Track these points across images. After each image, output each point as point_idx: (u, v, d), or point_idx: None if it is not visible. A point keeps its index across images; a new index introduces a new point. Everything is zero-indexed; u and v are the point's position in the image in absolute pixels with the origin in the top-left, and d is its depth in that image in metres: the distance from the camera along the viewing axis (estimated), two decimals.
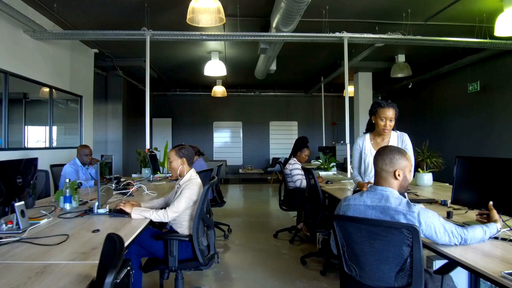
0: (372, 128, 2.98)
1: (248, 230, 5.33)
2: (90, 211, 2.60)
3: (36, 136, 7.51)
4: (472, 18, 6.42)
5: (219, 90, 11.80)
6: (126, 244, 1.96)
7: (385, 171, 1.79)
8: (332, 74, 10.39)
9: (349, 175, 4.49)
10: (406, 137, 3.02)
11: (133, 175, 5.64)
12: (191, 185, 2.59)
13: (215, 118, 14.17)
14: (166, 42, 7.89)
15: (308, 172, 3.73)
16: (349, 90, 12.69)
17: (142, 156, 5.45)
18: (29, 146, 6.94)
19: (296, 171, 4.57)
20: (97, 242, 1.88)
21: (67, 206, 2.70)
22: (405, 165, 1.80)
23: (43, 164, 4.77)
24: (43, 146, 6.89)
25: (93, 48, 8.22)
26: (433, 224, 1.66)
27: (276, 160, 12.89)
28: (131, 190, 3.57)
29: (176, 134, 13.98)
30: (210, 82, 12.19)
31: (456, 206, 2.55)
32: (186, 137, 13.97)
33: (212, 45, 8.11)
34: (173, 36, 5.87)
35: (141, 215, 2.45)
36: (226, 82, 12.33)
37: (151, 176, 4.89)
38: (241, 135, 14.23)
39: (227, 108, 14.19)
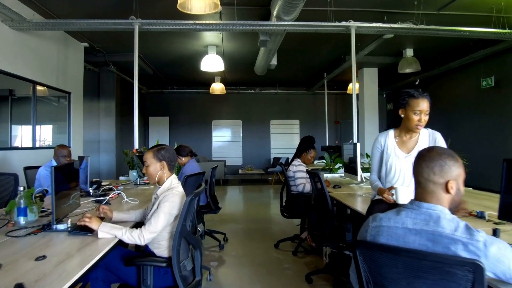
0: (398, 123, 2.47)
1: (247, 238, 4.82)
2: (48, 226, 2.11)
3: (27, 135, 7.14)
4: (489, 7, 5.93)
5: (217, 88, 11.32)
6: (80, 274, 1.47)
7: (432, 182, 1.29)
8: (336, 70, 9.89)
9: (359, 178, 3.99)
10: (439, 136, 2.47)
11: (121, 178, 5.16)
12: (171, 197, 2.09)
13: (214, 117, 13.68)
14: (159, 35, 7.43)
15: (314, 176, 3.23)
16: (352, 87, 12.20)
17: (130, 157, 4.95)
18: (15, 146, 6.52)
19: (299, 174, 4.08)
20: (35, 277, 1.39)
21: (21, 220, 2.21)
22: (459, 174, 1.30)
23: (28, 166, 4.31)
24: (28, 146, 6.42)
25: (82, 41, 7.73)
26: (507, 259, 1.16)
27: (277, 160, 12.40)
28: (108, 197, 3.07)
29: (173, 133, 13.49)
30: (208, 79, 11.71)
31: (497, 220, 2.04)
32: (184, 136, 13.49)
33: (209, 38, 7.61)
34: (164, 26, 5.37)
35: (110, 233, 1.96)
36: (225, 79, 11.84)
37: (138, 179, 4.39)
38: (241, 134, 13.73)
39: (226, 106, 13.70)
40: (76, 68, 7.70)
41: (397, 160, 2.37)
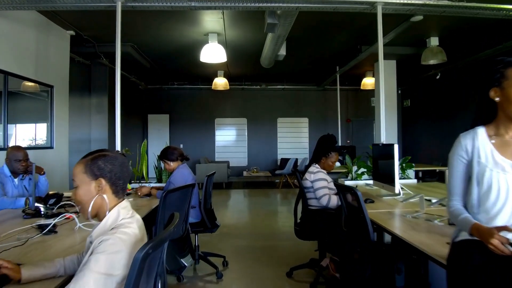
0: (490, 116, 1.54)
1: (252, 262, 3.89)
2: None
3: (23, 134, 6.49)
4: None
5: (220, 83, 10.44)
6: None
7: None
8: (350, 62, 8.96)
9: (397, 190, 3.07)
10: None
11: None
12: (110, 244, 1.17)
13: (217, 114, 12.79)
14: (153, 21, 6.56)
15: (347, 191, 2.33)
16: (368, 81, 11.29)
17: None
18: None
19: (320, 183, 3.16)
20: None
21: None
22: None
23: None
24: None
25: (68, 29, 6.87)
26: None
27: (284, 162, 11.49)
28: (54, 221, 2.18)
29: (174, 132, 12.64)
30: (211, 74, 10.83)
31: None
32: (185, 135, 12.63)
33: (209, 24, 6.72)
34: (151, 3, 4.48)
35: None
36: (228, 73, 10.94)
37: None
38: (246, 133, 12.84)
39: (230, 103, 12.81)
40: (60, 59, 6.84)
41: (499, 174, 1.43)
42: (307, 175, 3.32)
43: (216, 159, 12.61)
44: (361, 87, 11.25)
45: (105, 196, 1.31)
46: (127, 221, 1.27)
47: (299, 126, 13.00)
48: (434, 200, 2.93)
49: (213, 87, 10.48)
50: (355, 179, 4.49)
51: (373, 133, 13.20)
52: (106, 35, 7.42)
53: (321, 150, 3.37)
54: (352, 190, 2.14)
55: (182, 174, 3.34)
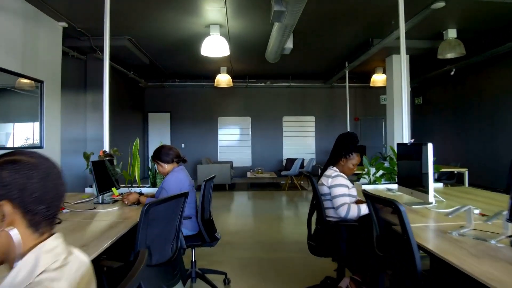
0: None
1: (257, 280, 3.38)
2: None
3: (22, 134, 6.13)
4: None
5: (223, 80, 9.96)
6: None
7: None
8: (361, 57, 8.45)
9: (431, 198, 2.57)
10: None
11: (87, 190, 3.82)
12: None
13: (220, 113, 12.31)
14: (149, 11, 6.08)
15: (380, 203, 1.83)
16: (378, 78, 10.76)
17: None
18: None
19: (339, 190, 2.64)
20: None
21: None
22: None
23: None
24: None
25: (60, 21, 6.42)
26: None
27: (290, 162, 10.98)
28: None
29: (175, 131, 12.17)
30: (213, 70, 10.36)
31: None
32: (187, 134, 12.17)
33: (211, 15, 6.24)
34: None
35: None
36: (231, 70, 10.47)
37: (99, 195, 3.02)
38: (250, 132, 12.35)
39: (233, 101, 12.33)
40: (52, 52, 6.38)
41: None
42: (323, 179, 2.81)
43: (219, 160, 12.14)
44: (371, 84, 10.72)
45: (11, 232, 0.80)
46: (51, 276, 0.76)
47: (305, 125, 12.50)
48: (476, 211, 2.42)
49: (215, 84, 10.01)
50: (374, 182, 3.98)
51: (383, 132, 12.69)
52: (101, 27, 6.94)
53: (340, 150, 2.86)
54: (392, 204, 1.64)
55: (177, 179, 2.85)
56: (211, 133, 12.26)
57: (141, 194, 3.10)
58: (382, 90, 12.68)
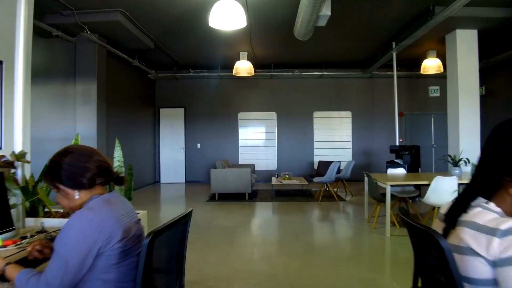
0: None
1: None
2: None
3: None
4: None
5: (243, 67, 8.36)
6: None
7: None
8: (416, 31, 6.56)
9: None
10: None
11: None
12: None
13: (241, 108, 10.69)
14: None
15: None
16: (430, 64, 8.81)
17: None
18: None
19: None
20: None
21: None
22: None
23: None
24: None
25: None
26: None
27: (324, 165, 9.20)
28: None
29: (190, 129, 10.67)
30: (231, 57, 8.78)
31: None
32: (203, 133, 10.64)
33: None
34: None
35: None
36: (253, 57, 8.84)
37: None
38: (276, 130, 10.66)
39: (256, 94, 10.68)
40: (12, 24, 4.93)
41: None
42: (473, 234, 1.08)
43: (240, 162, 10.53)
44: (421, 71, 8.78)
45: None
46: None
47: (341, 122, 10.67)
48: None
49: (234, 72, 8.42)
50: None
51: (432, 130, 10.71)
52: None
53: (503, 166, 1.11)
54: None
55: (88, 230, 1.22)
56: (230, 131, 10.68)
57: (50, 240, 1.51)
58: (431, 80, 10.72)
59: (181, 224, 1.55)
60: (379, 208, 5.23)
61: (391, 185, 4.74)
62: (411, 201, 6.00)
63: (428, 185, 4.66)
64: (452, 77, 7.06)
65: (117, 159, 2.64)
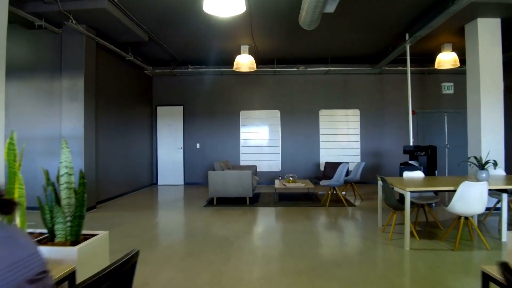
0: None
1: None
2: None
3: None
4: None
5: (244, 62, 7.79)
6: None
7: None
8: (432, 22, 5.97)
9: None
10: None
11: None
12: None
13: (243, 106, 10.12)
14: None
15: None
16: (446, 58, 8.19)
17: None
18: None
19: None
20: None
21: None
22: None
23: None
24: None
25: None
26: None
27: (331, 167, 8.61)
28: None
29: (189, 128, 10.12)
30: (232, 52, 8.23)
31: None
32: (203, 132, 10.08)
33: None
34: None
35: None
36: (255, 51, 8.28)
37: None
38: (279, 129, 10.08)
39: (259, 91, 10.11)
40: None
41: None
42: None
43: (242, 163, 9.96)
44: (435, 66, 8.16)
45: None
46: None
47: (348, 120, 10.07)
48: None
49: (235, 67, 7.85)
50: None
51: (445, 129, 10.09)
52: None
53: None
54: None
55: None
56: (231, 131, 10.10)
57: None
58: (444, 76, 10.09)
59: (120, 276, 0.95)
60: (396, 217, 4.63)
61: (411, 192, 4.14)
62: (429, 207, 5.39)
63: (453, 191, 4.06)
64: (473, 71, 6.43)
65: (65, 164, 2.07)
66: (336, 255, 3.90)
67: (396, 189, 4.40)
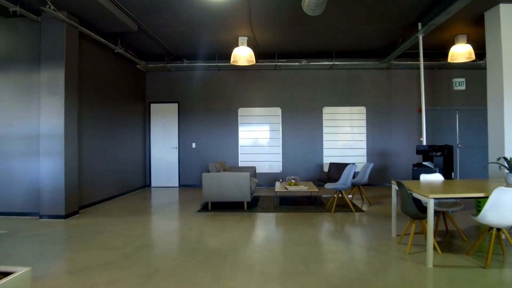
0: None
1: None
2: None
3: None
4: None
5: (242, 55, 7.20)
6: None
7: None
8: (449, 8, 5.36)
9: None
10: None
11: None
12: None
13: (242, 103, 9.53)
14: None
15: None
16: (460, 50, 7.59)
17: None
18: None
19: None
20: None
21: None
22: None
23: None
24: None
25: None
26: None
27: (335, 168, 8.02)
28: None
29: (184, 127, 9.52)
30: (229, 44, 7.64)
31: None
32: (199, 131, 9.50)
33: None
34: None
35: None
36: (254, 43, 7.69)
37: None
38: (280, 128, 9.48)
39: (258, 87, 9.51)
40: None
41: None
42: None
43: (240, 164, 9.36)
44: (448, 60, 7.55)
45: None
46: None
47: (354, 118, 9.46)
48: None
49: (232, 61, 7.26)
50: None
51: (456, 127, 9.48)
52: None
53: None
54: None
55: None
56: (229, 129, 9.51)
57: None
58: (455, 71, 9.48)
59: None
60: (414, 226, 4.02)
61: (434, 199, 3.54)
62: (450, 213, 4.79)
63: (484, 197, 3.46)
64: (494, 63, 5.82)
65: None
66: (348, 275, 3.29)
67: (415, 195, 3.79)
